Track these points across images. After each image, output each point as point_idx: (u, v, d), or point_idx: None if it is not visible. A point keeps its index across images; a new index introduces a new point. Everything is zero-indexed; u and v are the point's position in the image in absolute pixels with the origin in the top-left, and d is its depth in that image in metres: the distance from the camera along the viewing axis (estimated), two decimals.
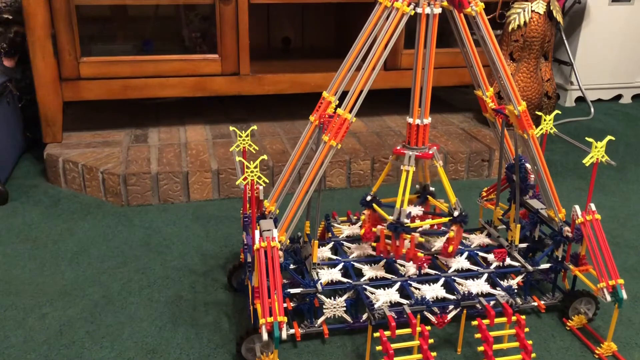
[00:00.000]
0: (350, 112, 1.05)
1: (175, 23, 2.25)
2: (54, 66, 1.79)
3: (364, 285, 1.17)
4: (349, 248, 1.31)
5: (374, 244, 1.24)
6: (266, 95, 2.02)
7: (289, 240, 1.16)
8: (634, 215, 1.72)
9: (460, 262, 1.25)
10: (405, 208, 1.11)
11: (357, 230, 1.35)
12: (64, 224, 1.60)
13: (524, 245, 1.30)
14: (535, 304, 1.26)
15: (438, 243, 1.30)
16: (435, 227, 1.36)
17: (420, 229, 1.29)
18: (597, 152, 1.13)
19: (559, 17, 2.06)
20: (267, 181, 1.10)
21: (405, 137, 1.18)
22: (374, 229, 1.24)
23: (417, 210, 1.28)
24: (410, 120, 1.15)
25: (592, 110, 2.58)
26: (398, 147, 1.18)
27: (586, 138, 1.27)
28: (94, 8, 2.04)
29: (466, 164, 1.93)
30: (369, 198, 1.24)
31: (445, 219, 1.26)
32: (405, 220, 1.12)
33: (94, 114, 2.14)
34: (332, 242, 1.32)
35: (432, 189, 1.31)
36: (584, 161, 1.13)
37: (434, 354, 1.06)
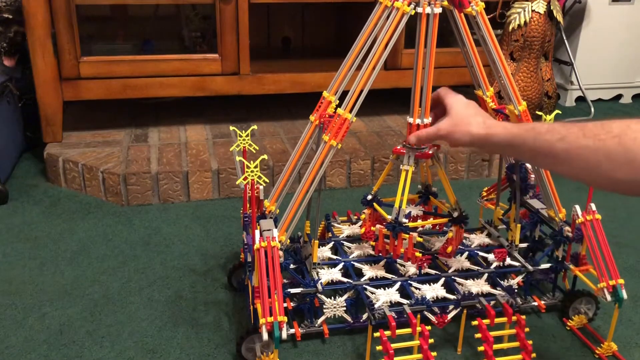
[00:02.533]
0: (350, 111, 1.05)
1: (175, 23, 2.25)
2: (54, 66, 1.79)
3: (364, 285, 1.17)
4: (349, 248, 1.31)
5: (372, 243, 1.23)
6: (266, 95, 2.02)
7: (289, 240, 1.16)
8: (634, 215, 1.72)
9: (460, 262, 1.25)
10: (404, 208, 1.11)
11: (357, 230, 1.34)
12: (64, 223, 1.60)
13: (524, 245, 1.30)
14: (536, 303, 1.26)
15: (439, 243, 1.30)
16: (437, 227, 1.36)
17: (419, 229, 1.29)
18: None
19: (559, 16, 2.06)
20: (267, 181, 1.10)
21: (406, 137, 1.18)
22: (372, 228, 1.24)
23: (417, 210, 1.28)
24: (410, 119, 1.15)
25: (592, 110, 2.57)
26: (398, 147, 1.17)
27: None
28: (94, 8, 2.04)
29: (466, 164, 1.93)
30: (369, 197, 1.24)
31: (445, 220, 1.26)
32: (404, 220, 1.12)
33: (94, 113, 2.14)
34: (332, 242, 1.32)
35: (434, 189, 1.31)
36: None
37: (434, 353, 1.06)
